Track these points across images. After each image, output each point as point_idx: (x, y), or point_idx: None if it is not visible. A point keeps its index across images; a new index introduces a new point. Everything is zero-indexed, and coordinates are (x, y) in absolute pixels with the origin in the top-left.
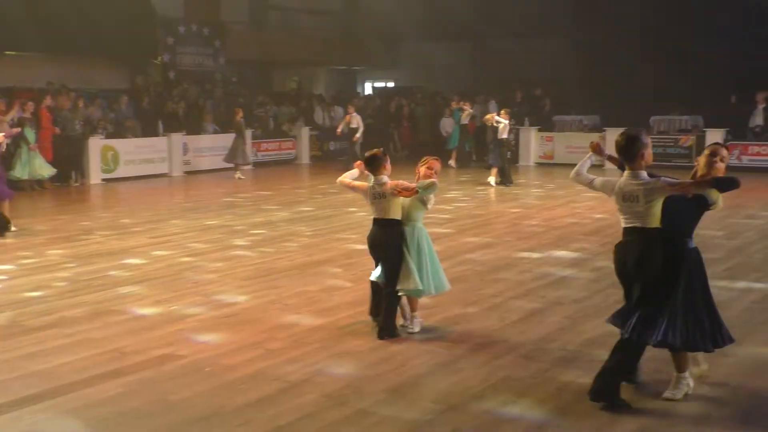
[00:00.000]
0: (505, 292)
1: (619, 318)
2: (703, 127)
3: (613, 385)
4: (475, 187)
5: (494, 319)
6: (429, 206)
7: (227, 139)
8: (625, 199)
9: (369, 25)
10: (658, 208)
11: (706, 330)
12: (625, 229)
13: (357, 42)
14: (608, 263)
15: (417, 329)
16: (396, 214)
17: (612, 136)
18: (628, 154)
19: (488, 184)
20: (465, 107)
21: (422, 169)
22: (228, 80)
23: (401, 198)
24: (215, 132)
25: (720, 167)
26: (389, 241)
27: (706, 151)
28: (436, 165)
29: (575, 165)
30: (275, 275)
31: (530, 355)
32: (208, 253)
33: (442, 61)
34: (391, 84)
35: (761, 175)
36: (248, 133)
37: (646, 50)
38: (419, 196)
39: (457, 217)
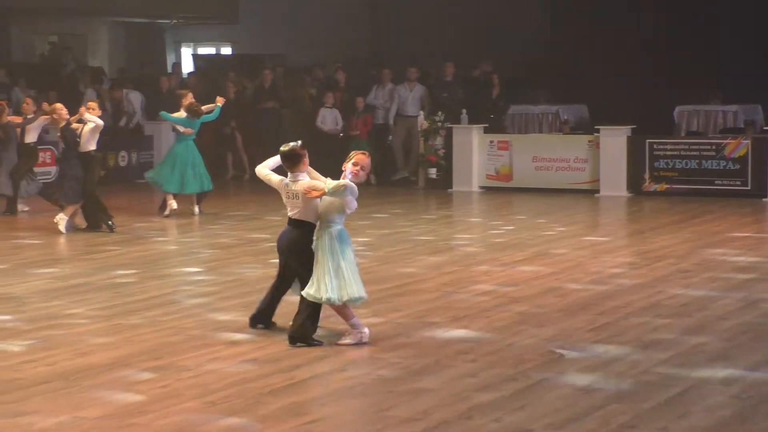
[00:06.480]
0: (431, 414)
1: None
2: (764, 124)
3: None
4: (381, 229)
5: None
6: (348, 210)
7: None
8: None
9: None
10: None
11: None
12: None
13: None
14: (613, 356)
15: (348, 341)
16: (309, 217)
17: (613, 140)
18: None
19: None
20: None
21: (347, 166)
22: None
23: (317, 199)
24: None
25: None
26: (298, 244)
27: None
28: (364, 160)
29: (550, 189)
30: (20, 391)
31: None
32: None
33: (320, 14)
34: (227, 50)
35: None
36: None
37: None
38: (335, 196)
39: None
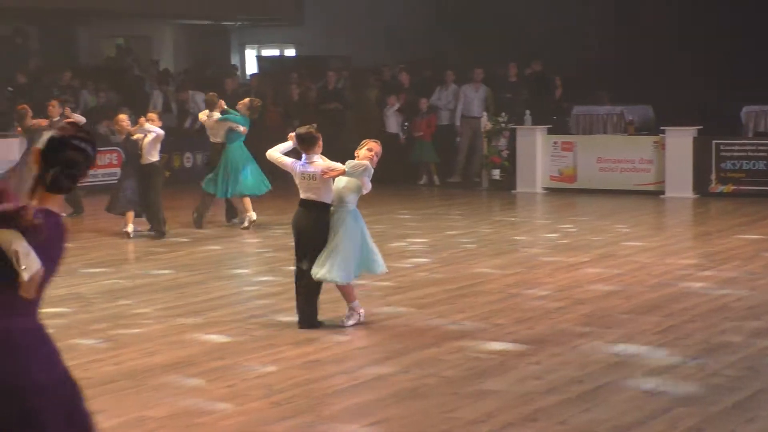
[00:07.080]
0: (495, 416)
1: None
2: None
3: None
4: (431, 233)
5: None
6: (364, 191)
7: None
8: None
9: None
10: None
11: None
12: None
13: None
14: (680, 359)
15: (351, 323)
16: (325, 197)
17: (679, 141)
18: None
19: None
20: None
21: (361, 152)
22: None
23: (332, 180)
24: None
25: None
26: (313, 225)
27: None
28: (377, 147)
29: (614, 191)
30: (87, 390)
31: None
32: None
33: (382, 16)
34: (291, 52)
35: None
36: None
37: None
38: (353, 177)
39: (409, 283)
